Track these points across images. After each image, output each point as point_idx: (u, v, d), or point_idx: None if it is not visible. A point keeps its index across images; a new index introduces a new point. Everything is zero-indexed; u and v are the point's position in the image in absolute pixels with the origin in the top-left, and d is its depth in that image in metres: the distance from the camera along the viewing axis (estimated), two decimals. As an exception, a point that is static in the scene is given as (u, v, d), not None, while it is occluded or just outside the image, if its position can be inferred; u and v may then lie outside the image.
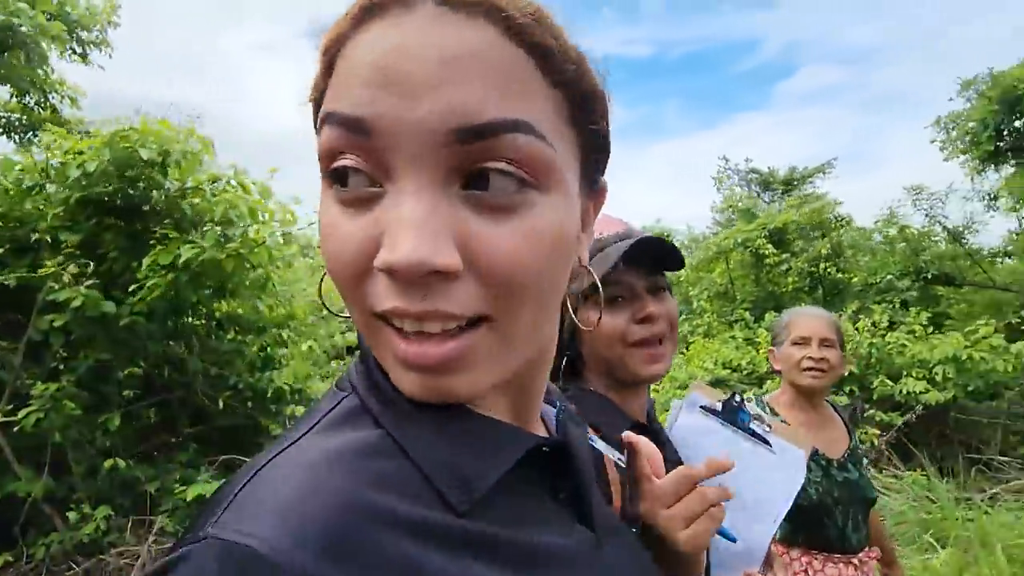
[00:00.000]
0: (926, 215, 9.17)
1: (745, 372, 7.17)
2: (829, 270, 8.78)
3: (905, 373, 6.44)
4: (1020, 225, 8.33)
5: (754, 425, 1.73)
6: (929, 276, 8.63)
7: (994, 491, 4.99)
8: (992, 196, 8.60)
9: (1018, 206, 7.58)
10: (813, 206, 9.08)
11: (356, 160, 0.38)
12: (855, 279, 9.32)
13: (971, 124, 9.07)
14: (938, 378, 6.16)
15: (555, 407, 0.58)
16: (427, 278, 0.36)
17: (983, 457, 5.77)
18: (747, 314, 8.95)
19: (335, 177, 0.39)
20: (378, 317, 0.40)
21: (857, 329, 7.03)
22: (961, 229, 8.74)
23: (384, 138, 0.36)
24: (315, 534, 0.33)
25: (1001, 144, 8.60)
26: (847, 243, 8.91)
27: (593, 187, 0.49)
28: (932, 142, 10.46)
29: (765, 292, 9.03)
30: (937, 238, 8.96)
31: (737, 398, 1.75)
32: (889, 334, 6.99)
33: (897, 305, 7.89)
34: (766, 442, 1.38)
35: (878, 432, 5.93)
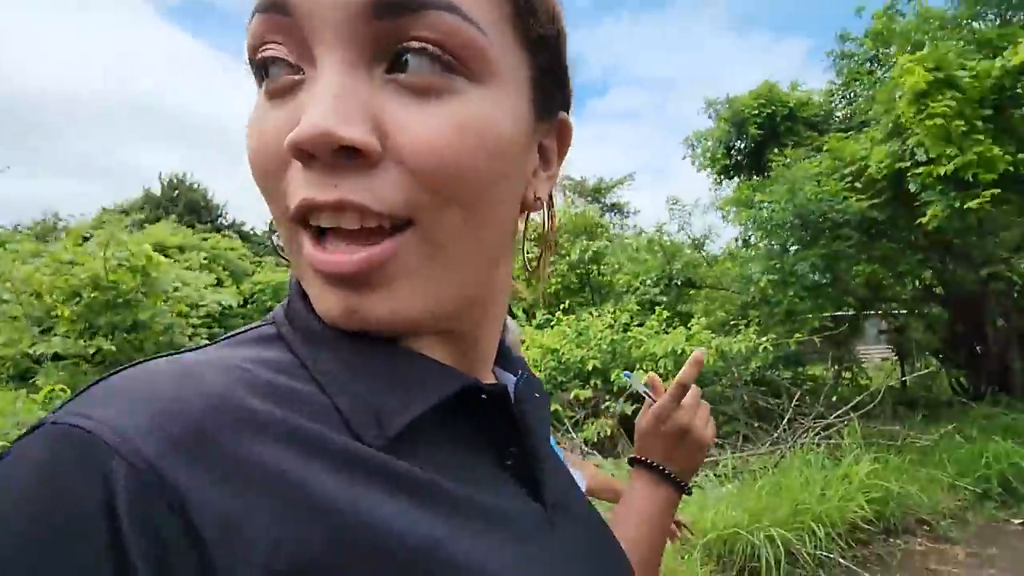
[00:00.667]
0: (678, 225, 10.22)
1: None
2: (593, 273, 9.40)
3: (638, 366, 7.02)
4: (740, 233, 9.57)
5: None
6: (680, 281, 9.59)
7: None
8: (719, 208, 9.83)
9: (736, 216, 8.69)
10: (573, 212, 9.68)
11: (278, 48, 0.35)
12: (621, 281, 10.12)
13: (710, 142, 10.25)
14: (662, 370, 6.77)
15: (517, 376, 0.52)
16: (338, 160, 0.33)
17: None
18: (521, 312, 9.29)
19: (260, 71, 0.37)
20: (295, 223, 0.36)
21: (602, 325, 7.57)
22: (702, 238, 9.83)
23: (304, 17, 0.34)
24: (169, 425, 0.29)
25: (731, 162, 9.82)
26: (598, 249, 9.60)
27: (549, 114, 0.43)
28: (683, 158, 11.70)
29: (534, 290, 9.49)
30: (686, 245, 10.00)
31: None
32: (634, 331, 7.61)
33: (645, 307, 8.66)
34: None
35: (611, 423, 6.41)
